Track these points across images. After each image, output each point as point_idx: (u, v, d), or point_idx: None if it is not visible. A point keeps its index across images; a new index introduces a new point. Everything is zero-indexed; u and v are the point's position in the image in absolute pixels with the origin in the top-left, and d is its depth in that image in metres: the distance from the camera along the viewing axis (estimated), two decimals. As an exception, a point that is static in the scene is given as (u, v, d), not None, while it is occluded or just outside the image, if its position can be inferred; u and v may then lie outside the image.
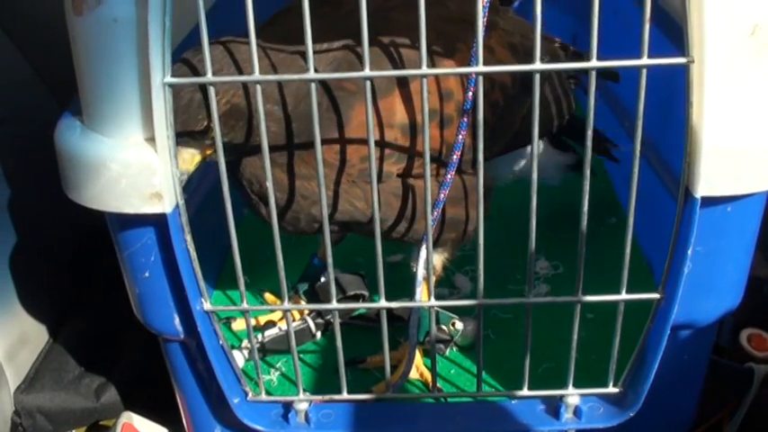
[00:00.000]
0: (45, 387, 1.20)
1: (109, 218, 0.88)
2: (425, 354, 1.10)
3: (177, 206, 0.83)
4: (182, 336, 0.94)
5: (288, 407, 0.98)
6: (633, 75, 0.76)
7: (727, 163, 0.78)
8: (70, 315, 1.32)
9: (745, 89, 0.77)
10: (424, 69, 0.75)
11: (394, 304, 0.91)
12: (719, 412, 1.12)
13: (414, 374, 1.07)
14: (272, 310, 1.20)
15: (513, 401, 0.98)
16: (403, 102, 0.91)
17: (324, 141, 0.87)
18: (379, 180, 0.93)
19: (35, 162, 1.16)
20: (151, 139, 0.79)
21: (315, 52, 0.76)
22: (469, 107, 0.88)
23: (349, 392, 0.96)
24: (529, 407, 0.97)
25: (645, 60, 0.74)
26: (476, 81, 0.79)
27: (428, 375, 1.06)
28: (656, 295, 0.88)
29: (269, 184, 0.83)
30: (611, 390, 0.95)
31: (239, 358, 1.11)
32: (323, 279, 1.17)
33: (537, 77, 0.76)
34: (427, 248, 0.88)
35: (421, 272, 0.97)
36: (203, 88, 0.81)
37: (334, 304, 0.90)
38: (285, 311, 0.93)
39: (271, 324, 1.16)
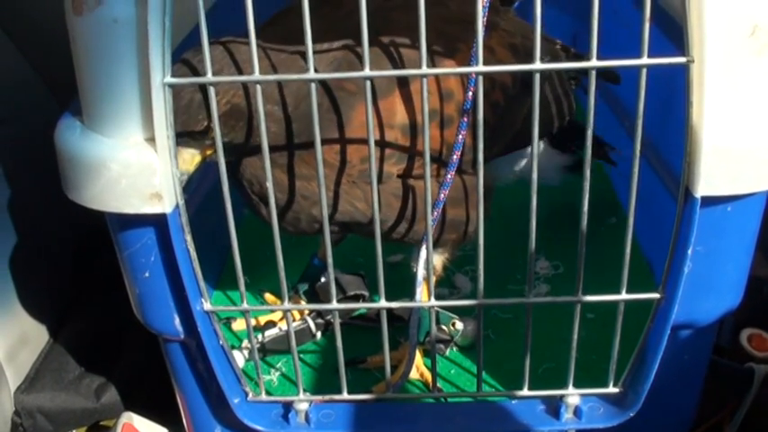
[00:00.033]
0: (45, 387, 1.20)
1: (109, 218, 0.88)
2: (426, 354, 1.10)
3: (177, 206, 0.83)
4: (182, 336, 0.94)
5: (288, 407, 0.98)
6: (633, 75, 0.76)
7: (728, 163, 0.78)
8: (70, 315, 1.32)
9: (745, 89, 0.77)
10: (424, 69, 0.75)
11: (394, 304, 0.91)
12: (720, 412, 1.12)
13: (414, 374, 1.07)
14: (273, 311, 1.20)
15: (513, 401, 0.98)
16: (403, 102, 0.91)
17: (324, 142, 0.87)
18: (380, 181, 0.93)
19: (35, 162, 1.16)
20: (151, 140, 0.79)
21: (315, 52, 0.76)
22: (469, 107, 0.88)
23: (349, 392, 0.96)
24: (529, 407, 0.97)
25: (645, 60, 0.74)
26: (476, 81, 0.79)
27: (428, 375, 1.06)
28: (656, 295, 0.88)
29: (269, 185, 0.83)
30: (612, 390, 0.95)
31: (239, 358, 1.11)
32: (323, 279, 1.17)
33: (537, 77, 0.76)
34: (427, 249, 0.88)
35: (421, 272, 0.96)
36: (203, 88, 0.81)
37: (335, 304, 0.90)
38: (285, 311, 0.93)
39: (271, 324, 1.16)
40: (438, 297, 1.01)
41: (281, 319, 1.17)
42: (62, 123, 0.85)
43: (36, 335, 1.26)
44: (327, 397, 0.98)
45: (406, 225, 0.98)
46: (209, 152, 0.87)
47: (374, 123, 0.89)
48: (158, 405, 1.18)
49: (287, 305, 0.90)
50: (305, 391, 0.97)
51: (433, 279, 0.93)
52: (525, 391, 0.95)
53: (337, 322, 0.91)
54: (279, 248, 0.86)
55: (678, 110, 0.80)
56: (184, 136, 0.83)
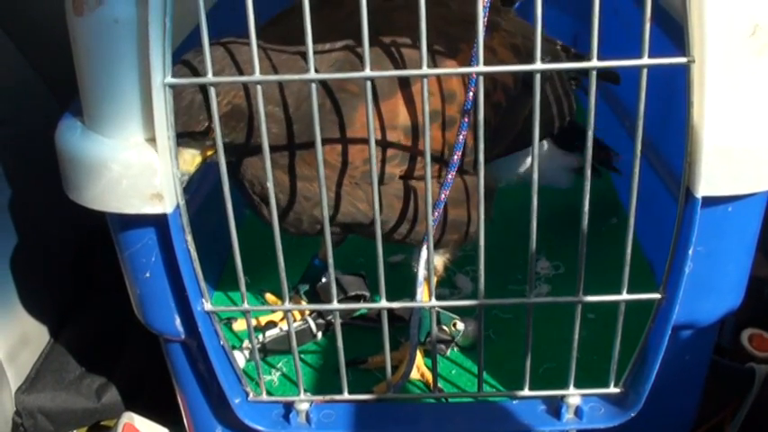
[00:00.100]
0: (46, 387, 1.20)
1: (110, 218, 0.88)
2: (426, 354, 1.10)
3: (178, 207, 0.83)
4: (183, 336, 0.94)
5: (289, 407, 0.98)
6: (634, 75, 0.76)
7: (728, 163, 0.78)
8: (71, 315, 1.32)
9: (746, 89, 0.77)
10: (425, 69, 0.75)
11: (395, 304, 0.91)
12: (721, 412, 1.12)
13: (415, 375, 1.07)
14: (273, 311, 1.20)
15: (514, 402, 0.98)
16: (405, 103, 0.91)
17: (327, 143, 0.87)
18: (382, 182, 0.93)
19: (36, 163, 1.16)
20: (152, 140, 0.79)
21: (316, 53, 0.76)
22: (470, 107, 0.88)
23: (350, 393, 0.96)
24: (530, 407, 0.97)
25: (645, 60, 0.74)
26: (476, 81, 0.79)
27: (429, 376, 1.06)
28: (657, 295, 0.88)
29: (270, 185, 0.83)
30: (613, 390, 0.95)
31: (240, 358, 1.11)
32: (324, 279, 1.17)
33: (537, 77, 0.76)
34: (428, 249, 0.88)
35: (422, 272, 0.97)
36: (204, 89, 0.81)
37: (335, 305, 0.90)
38: (286, 312, 0.93)
39: (272, 324, 1.16)
40: (439, 297, 1.01)
41: (282, 320, 1.17)
42: (63, 124, 0.85)
43: (37, 335, 1.26)
44: (328, 397, 0.98)
45: (408, 226, 0.98)
46: (209, 153, 0.87)
47: (377, 125, 0.89)
48: (159, 405, 1.18)
49: (288, 305, 0.90)
50: (306, 391, 0.97)
51: (434, 279, 0.93)
52: (526, 392, 0.95)
53: (338, 322, 0.91)
54: (279, 249, 0.86)
55: (679, 110, 0.80)
56: (185, 136, 0.83)
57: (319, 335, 1.17)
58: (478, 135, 0.79)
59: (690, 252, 0.83)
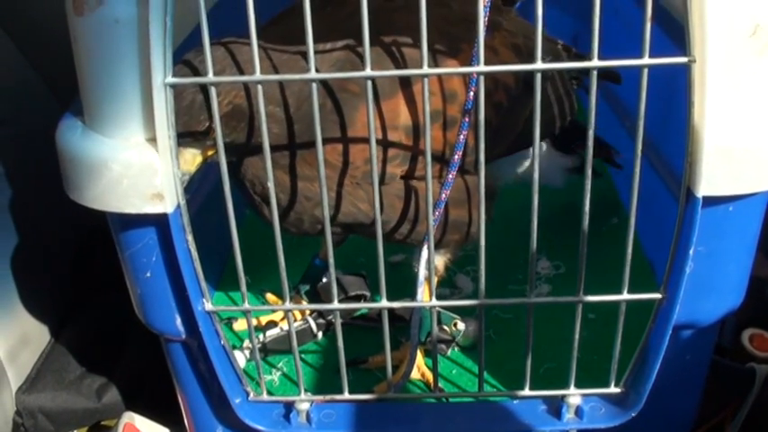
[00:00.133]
0: (46, 387, 1.20)
1: (110, 218, 0.88)
2: (427, 354, 1.10)
3: (179, 206, 0.83)
4: (183, 336, 0.94)
5: (289, 407, 0.98)
6: (634, 75, 0.76)
7: (729, 163, 0.78)
8: (72, 315, 1.32)
9: (747, 89, 0.77)
10: (425, 69, 0.75)
11: (395, 304, 0.91)
12: (721, 412, 1.12)
13: (415, 374, 1.07)
14: (274, 311, 1.20)
15: (514, 401, 0.98)
16: (407, 103, 0.91)
17: (328, 143, 0.87)
18: (383, 182, 0.93)
19: (36, 162, 1.16)
20: (152, 140, 0.79)
21: (317, 53, 0.76)
22: (471, 107, 0.88)
23: (350, 392, 0.96)
24: (530, 407, 0.97)
25: (646, 60, 0.74)
26: (477, 81, 0.79)
27: (429, 375, 1.06)
28: (657, 295, 0.88)
29: (270, 185, 0.83)
30: (613, 390, 0.95)
31: (241, 358, 1.11)
32: (324, 279, 1.17)
33: (538, 77, 0.76)
34: (429, 248, 0.88)
35: (422, 272, 0.97)
36: (205, 89, 0.81)
37: (336, 304, 0.90)
38: (287, 311, 0.93)
39: (272, 324, 1.16)
40: (439, 297, 1.01)
41: (283, 319, 1.17)
42: (63, 123, 0.85)
43: (37, 335, 1.26)
44: (329, 397, 0.98)
45: (409, 226, 0.98)
46: (210, 152, 0.87)
47: (378, 125, 0.89)
48: (160, 405, 1.18)
49: (288, 305, 0.90)
50: (306, 391, 0.97)
51: (435, 279, 0.93)
52: (527, 391, 0.95)
53: (338, 322, 0.91)
54: (280, 249, 0.86)
55: (679, 110, 0.80)
56: (186, 136, 0.83)
57: (320, 335, 1.17)
58: (479, 135, 0.79)
59: (690, 252, 0.83)
